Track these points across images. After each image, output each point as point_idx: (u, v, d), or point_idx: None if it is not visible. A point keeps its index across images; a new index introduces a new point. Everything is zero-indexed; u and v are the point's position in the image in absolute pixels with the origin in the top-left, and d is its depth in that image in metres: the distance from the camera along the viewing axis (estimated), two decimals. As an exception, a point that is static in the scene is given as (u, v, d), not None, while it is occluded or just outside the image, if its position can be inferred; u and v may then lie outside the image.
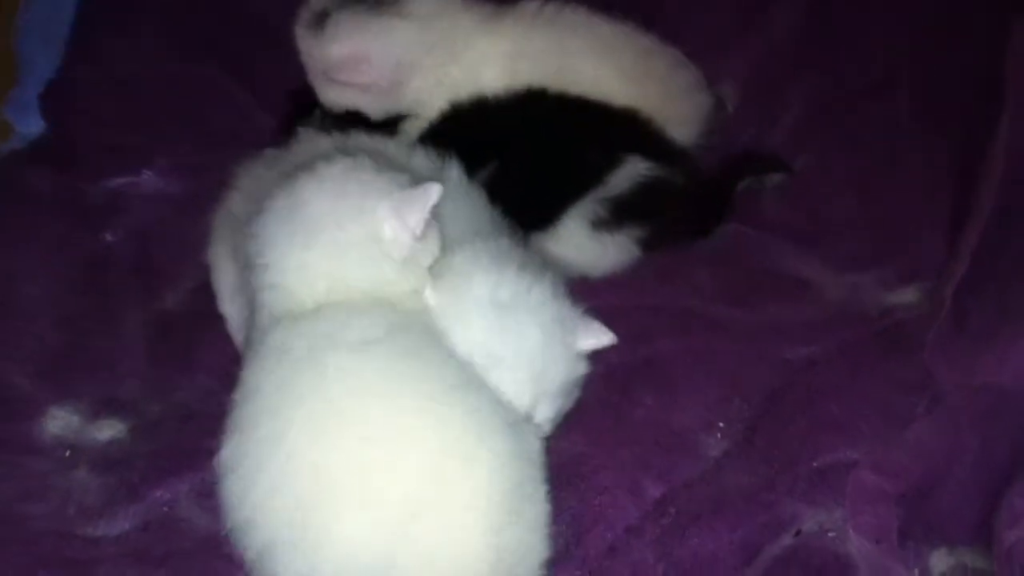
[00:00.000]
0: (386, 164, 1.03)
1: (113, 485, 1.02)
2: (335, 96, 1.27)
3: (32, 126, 1.43)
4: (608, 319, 1.05)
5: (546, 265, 1.06)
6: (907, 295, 1.18)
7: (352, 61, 1.24)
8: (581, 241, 1.24)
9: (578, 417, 1.03)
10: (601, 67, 1.31)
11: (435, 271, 0.98)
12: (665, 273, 1.25)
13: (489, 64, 1.29)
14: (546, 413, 0.98)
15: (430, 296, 0.96)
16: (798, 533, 0.94)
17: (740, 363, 1.12)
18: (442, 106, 1.29)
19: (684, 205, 1.27)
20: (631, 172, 1.23)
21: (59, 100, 1.40)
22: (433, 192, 0.94)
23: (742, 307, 1.20)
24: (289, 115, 1.35)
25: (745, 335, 1.16)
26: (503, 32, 1.31)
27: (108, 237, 1.28)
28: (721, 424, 1.05)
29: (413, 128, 1.29)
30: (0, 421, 1.09)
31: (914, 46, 1.39)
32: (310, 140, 1.18)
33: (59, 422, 1.09)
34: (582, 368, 1.00)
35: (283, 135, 1.27)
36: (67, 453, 1.06)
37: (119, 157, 1.34)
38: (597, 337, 1.01)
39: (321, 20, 1.24)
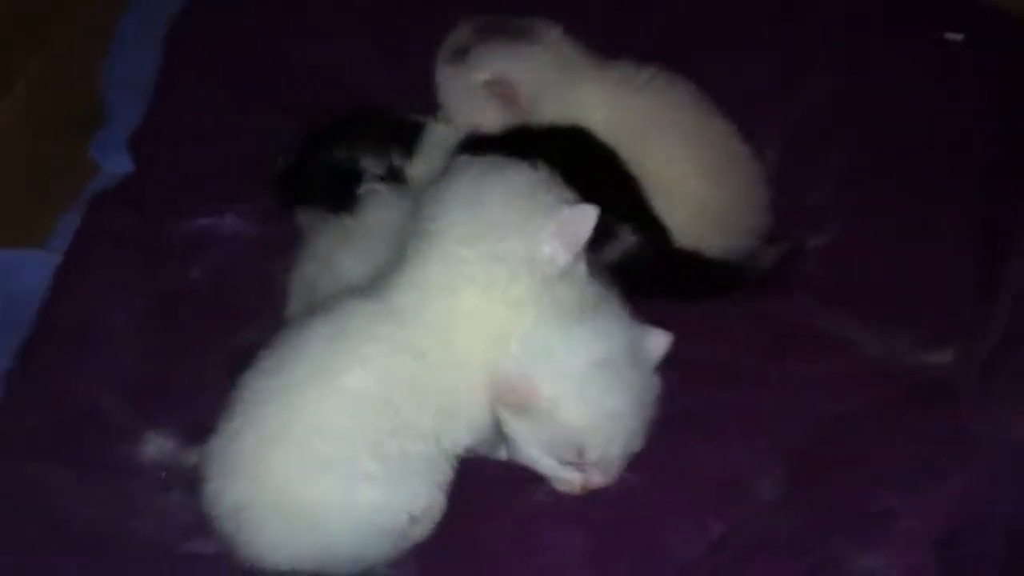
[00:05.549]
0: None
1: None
2: (480, 120, 1.37)
3: (118, 166, 1.51)
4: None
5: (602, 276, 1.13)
6: (943, 356, 1.25)
7: (495, 85, 1.35)
8: None
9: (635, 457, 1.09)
10: (680, 153, 1.37)
11: None
12: (705, 328, 1.29)
13: (595, 109, 1.37)
14: (637, 446, 1.06)
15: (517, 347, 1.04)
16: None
17: (781, 417, 1.18)
18: None
19: (654, 274, 1.32)
20: (621, 245, 1.29)
21: (146, 144, 1.48)
22: (592, 214, 1.03)
23: (781, 362, 1.26)
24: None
25: (784, 390, 1.22)
26: (606, 84, 1.39)
27: (194, 275, 1.36)
28: (771, 470, 1.12)
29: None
30: (101, 445, 1.17)
31: (950, 110, 1.49)
32: (377, 204, 1.28)
33: (154, 446, 1.17)
34: (657, 387, 1.07)
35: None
36: (163, 475, 1.14)
37: (202, 199, 1.42)
38: (659, 342, 1.08)
39: (462, 53, 1.37)
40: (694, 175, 1.36)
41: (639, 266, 1.29)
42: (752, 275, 1.38)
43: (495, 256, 1.04)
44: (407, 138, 1.38)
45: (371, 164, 1.35)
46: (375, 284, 1.07)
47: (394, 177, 1.35)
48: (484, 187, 1.07)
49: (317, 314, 1.06)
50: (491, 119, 1.36)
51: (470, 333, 1.04)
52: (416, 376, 1.02)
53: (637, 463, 1.09)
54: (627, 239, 1.29)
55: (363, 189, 1.32)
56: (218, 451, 1.02)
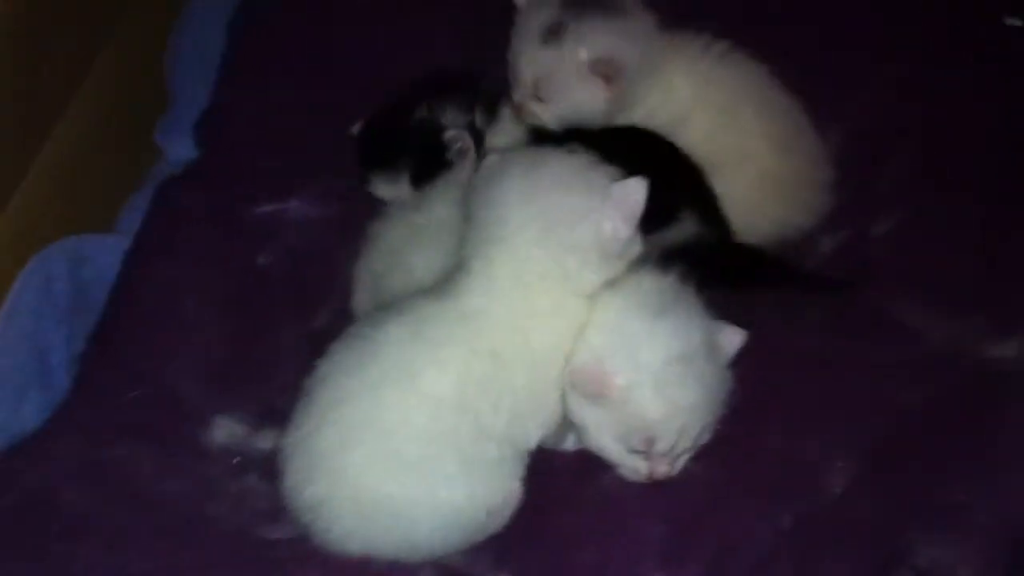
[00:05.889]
0: None
1: (281, 492, 1.09)
2: (579, 99, 1.33)
3: (181, 152, 1.52)
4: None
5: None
6: (1009, 347, 1.24)
7: (601, 64, 1.31)
8: None
9: (706, 448, 1.10)
10: (752, 124, 1.36)
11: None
12: (772, 315, 1.27)
13: (679, 82, 1.36)
14: (704, 440, 1.07)
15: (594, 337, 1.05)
16: (913, 569, 1.01)
17: (850, 406, 1.18)
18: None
19: (713, 263, 1.27)
20: (683, 229, 1.27)
21: (212, 128, 1.50)
22: (644, 184, 1.04)
23: (848, 351, 1.25)
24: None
25: (852, 379, 1.22)
26: (689, 57, 1.37)
27: (261, 260, 1.37)
28: (840, 462, 1.12)
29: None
30: (172, 427, 1.18)
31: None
32: (441, 195, 1.28)
33: (224, 430, 1.19)
34: (729, 382, 1.08)
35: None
36: (235, 460, 1.16)
37: (268, 184, 1.43)
38: (734, 339, 1.09)
39: (556, 31, 1.32)
40: (764, 144, 1.35)
41: (700, 254, 1.26)
42: (808, 270, 1.37)
43: (564, 248, 1.05)
44: (490, 103, 1.37)
45: (453, 119, 1.34)
46: (444, 286, 1.08)
47: (474, 135, 1.34)
48: (537, 182, 1.07)
49: (391, 313, 1.07)
50: (594, 98, 1.32)
51: (547, 329, 1.05)
52: (493, 378, 1.03)
53: (707, 453, 1.10)
54: (689, 224, 1.28)
55: (448, 136, 1.32)
56: (296, 446, 1.04)
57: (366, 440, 1.00)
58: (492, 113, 1.37)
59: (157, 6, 1.63)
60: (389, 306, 1.09)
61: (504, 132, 1.37)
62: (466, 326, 1.04)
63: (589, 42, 1.31)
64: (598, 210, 1.04)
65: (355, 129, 1.39)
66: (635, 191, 1.04)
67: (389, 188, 1.36)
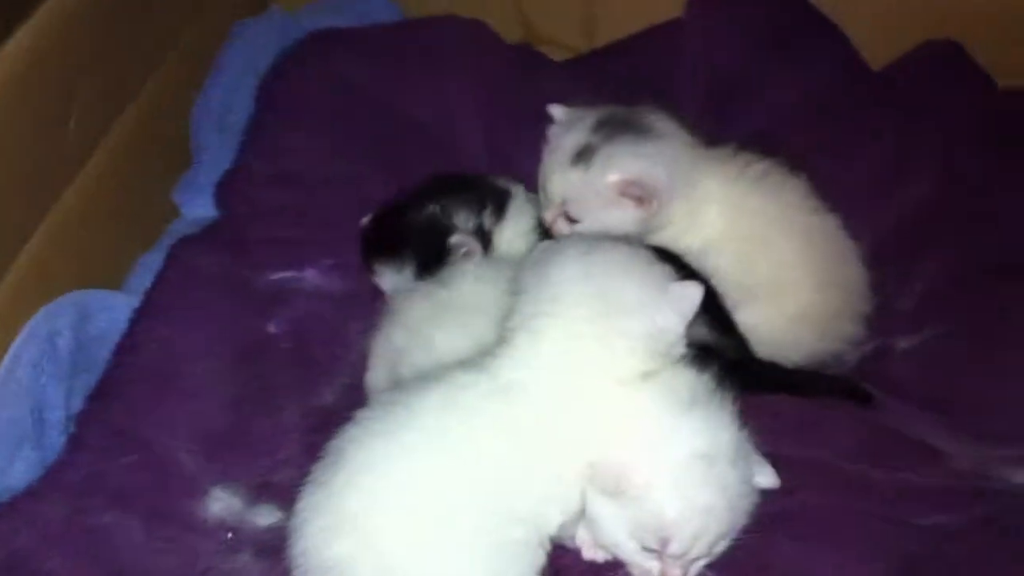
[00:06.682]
0: None
1: (275, 573, 1.06)
2: (610, 221, 1.31)
3: (199, 211, 1.50)
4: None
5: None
6: None
7: (630, 186, 1.30)
8: None
9: (722, 559, 1.06)
10: (792, 258, 1.33)
11: None
12: (804, 427, 1.25)
13: (714, 204, 1.34)
14: (720, 549, 1.03)
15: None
16: None
17: (879, 524, 1.14)
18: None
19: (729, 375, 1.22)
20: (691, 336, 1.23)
21: (233, 189, 1.47)
22: (699, 289, 1.05)
23: (878, 468, 1.21)
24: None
25: (882, 496, 1.18)
26: (724, 178, 1.35)
27: (271, 328, 1.33)
28: None
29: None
30: (166, 497, 1.14)
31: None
32: (466, 272, 1.27)
33: (220, 503, 1.15)
34: (755, 498, 1.05)
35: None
36: (229, 535, 1.12)
37: (285, 252, 1.40)
38: (767, 478, 1.06)
39: (586, 154, 1.31)
40: (801, 278, 1.33)
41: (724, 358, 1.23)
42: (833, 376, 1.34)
43: (616, 332, 1.04)
44: (498, 203, 1.37)
45: (461, 220, 1.34)
46: (484, 360, 1.06)
47: (482, 237, 1.35)
48: (599, 265, 1.07)
49: (427, 381, 1.05)
50: (624, 219, 1.31)
51: (581, 411, 1.03)
52: (522, 455, 1.01)
53: (722, 563, 1.06)
54: (699, 332, 1.22)
55: (453, 240, 1.32)
56: (316, 506, 1.00)
57: (396, 505, 0.97)
58: (501, 212, 1.37)
59: (185, 64, 1.61)
60: (423, 376, 1.07)
61: (512, 225, 1.37)
62: (503, 399, 1.02)
63: (617, 165, 1.30)
64: (655, 304, 1.05)
65: (365, 220, 1.39)
66: (691, 293, 1.06)
67: (392, 279, 1.35)
